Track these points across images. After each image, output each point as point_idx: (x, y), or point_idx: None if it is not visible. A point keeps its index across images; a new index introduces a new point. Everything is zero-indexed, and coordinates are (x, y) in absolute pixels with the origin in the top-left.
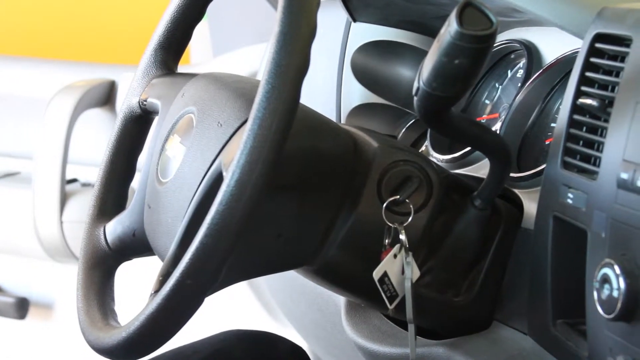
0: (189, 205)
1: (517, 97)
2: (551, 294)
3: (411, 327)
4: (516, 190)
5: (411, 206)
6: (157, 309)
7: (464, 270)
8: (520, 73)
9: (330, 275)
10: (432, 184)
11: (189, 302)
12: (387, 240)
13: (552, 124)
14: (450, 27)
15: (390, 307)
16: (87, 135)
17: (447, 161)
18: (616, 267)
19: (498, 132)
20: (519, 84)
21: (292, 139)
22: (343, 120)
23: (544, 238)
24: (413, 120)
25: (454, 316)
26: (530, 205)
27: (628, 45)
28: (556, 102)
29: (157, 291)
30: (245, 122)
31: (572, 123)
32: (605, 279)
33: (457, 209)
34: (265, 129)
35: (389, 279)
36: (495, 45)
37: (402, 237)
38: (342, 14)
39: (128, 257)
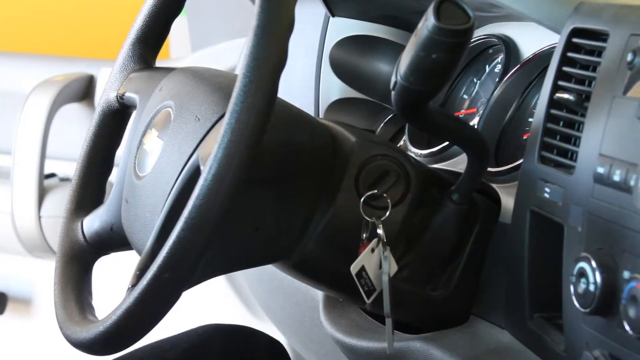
0: (166, 200)
1: (495, 92)
2: (528, 288)
3: (388, 322)
4: (494, 185)
5: (389, 200)
6: (134, 303)
7: (441, 265)
8: (498, 68)
9: (308, 269)
10: (409, 178)
11: (166, 296)
12: (364, 235)
13: (530, 119)
14: (427, 22)
15: (368, 301)
16: (65, 130)
17: (425, 156)
18: (592, 261)
19: (476, 127)
20: (497, 79)
21: (270, 133)
22: (321, 115)
23: (521, 232)
24: (391, 115)
25: (432, 310)
26: (507, 200)
27: (605, 40)
28: (534, 97)
29: (134, 285)
30: (222, 116)
31: (549, 118)
32: (582, 273)
33: (434, 204)
34: (242, 123)
35: (367, 274)
36: (472, 40)
37: (380, 231)
38: (321, 9)
39: (105, 251)
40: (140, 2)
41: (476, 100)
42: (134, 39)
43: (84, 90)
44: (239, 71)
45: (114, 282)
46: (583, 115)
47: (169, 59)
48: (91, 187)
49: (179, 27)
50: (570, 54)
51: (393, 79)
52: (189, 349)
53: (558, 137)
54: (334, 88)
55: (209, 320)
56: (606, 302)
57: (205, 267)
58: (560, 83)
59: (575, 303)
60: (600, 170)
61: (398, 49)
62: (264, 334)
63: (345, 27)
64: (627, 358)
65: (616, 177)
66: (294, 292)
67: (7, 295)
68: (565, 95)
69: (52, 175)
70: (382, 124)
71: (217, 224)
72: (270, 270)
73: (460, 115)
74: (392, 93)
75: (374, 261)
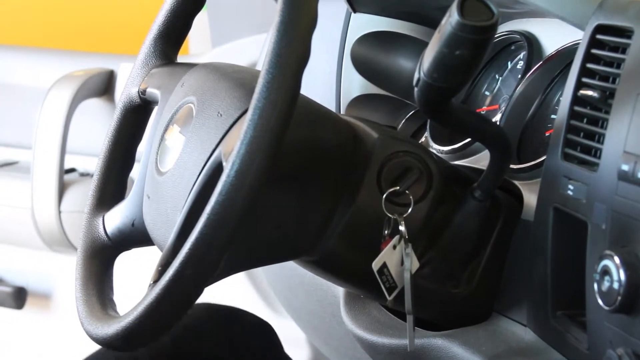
0: (188, 196)
1: (517, 89)
2: (551, 285)
3: (410, 318)
4: (516, 182)
5: (411, 197)
6: (155, 299)
7: (463, 262)
8: (521, 64)
9: (329, 266)
10: (432, 175)
11: (188, 293)
12: (386, 231)
13: (553, 116)
14: (451, 18)
15: (389, 298)
16: (85, 125)
17: (447, 152)
18: (616, 259)
19: (498, 123)
20: (519, 76)
21: (292, 129)
22: (343, 111)
23: (544, 230)
24: (413, 111)
25: (453, 307)
26: (530, 197)
27: (629, 37)
28: (556, 94)
29: (156, 281)
30: (245, 112)
31: (572, 114)
32: (606, 271)
33: (456, 200)
34: (265, 119)
35: (388, 270)
36: (495, 36)
37: (402, 228)
38: (342, 5)
39: (127, 247)
40: None
41: (498, 97)
42: (155, 34)
43: (104, 86)
44: (262, 67)
45: (135, 277)
46: (607, 113)
47: (188, 54)
48: (112, 183)
49: (199, 22)
50: (594, 51)
51: (416, 76)
52: (182, 329)
53: (582, 134)
54: (355, 84)
55: None
56: (630, 300)
57: (227, 263)
58: (584, 80)
59: (599, 301)
60: (625, 167)
61: (420, 45)
62: (253, 315)
63: (367, 23)
64: None
65: None
66: (315, 288)
67: (27, 290)
68: (589, 92)
69: (72, 170)
70: (403, 120)
71: (240, 221)
72: (290, 267)
73: (482, 112)
74: (415, 89)
75: (396, 258)
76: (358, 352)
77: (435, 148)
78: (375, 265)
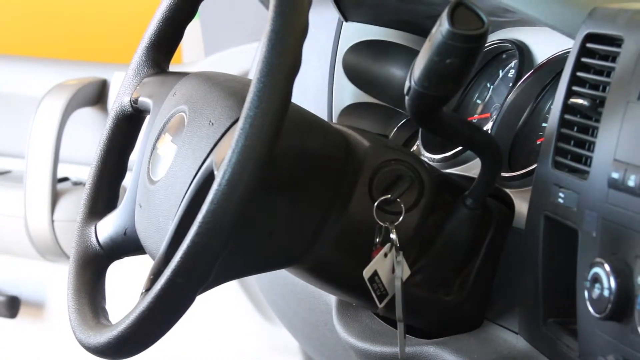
0: (180, 204)
1: (508, 97)
2: (542, 293)
3: (400, 326)
4: (507, 190)
5: (402, 205)
6: (147, 307)
7: (455, 270)
8: (512, 73)
9: (321, 273)
10: (423, 183)
11: (180, 301)
12: (377, 239)
13: (543, 124)
14: (441, 27)
15: (380, 306)
16: (78, 134)
17: (438, 160)
18: (607, 267)
19: (489, 131)
20: (510, 84)
21: (284, 138)
22: (334, 120)
23: (535, 237)
24: (404, 120)
25: (445, 315)
26: (521, 205)
27: (619, 45)
28: (547, 102)
29: (147, 290)
30: (236, 121)
31: (563, 123)
32: (596, 279)
33: (448, 209)
34: (256, 128)
35: (379, 278)
36: (486, 45)
37: (393, 236)
38: (334, 13)
39: (119, 256)
40: (154, 6)
41: (489, 105)
42: (147, 43)
43: (97, 95)
44: (253, 76)
45: (127, 286)
46: (597, 121)
47: (181, 63)
48: (104, 192)
49: (192, 31)
50: (584, 59)
51: (407, 84)
52: None
53: (572, 142)
54: (347, 93)
55: (222, 324)
56: (620, 308)
57: (219, 271)
58: (575, 88)
59: (590, 308)
60: (615, 175)
61: (411, 54)
62: None
63: (359, 31)
64: None
65: (631, 183)
66: (307, 296)
67: (20, 299)
68: (580, 101)
69: (65, 179)
70: (395, 129)
71: (231, 229)
72: (283, 275)
73: (474, 120)
74: (406, 98)
75: (387, 266)
76: None
77: (427, 156)
78: (366, 273)
